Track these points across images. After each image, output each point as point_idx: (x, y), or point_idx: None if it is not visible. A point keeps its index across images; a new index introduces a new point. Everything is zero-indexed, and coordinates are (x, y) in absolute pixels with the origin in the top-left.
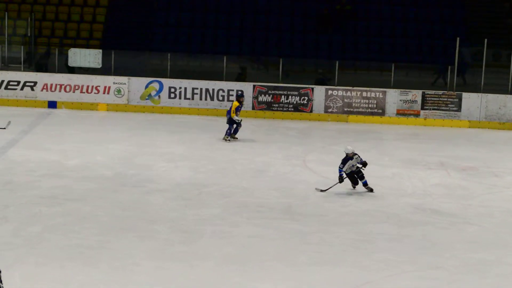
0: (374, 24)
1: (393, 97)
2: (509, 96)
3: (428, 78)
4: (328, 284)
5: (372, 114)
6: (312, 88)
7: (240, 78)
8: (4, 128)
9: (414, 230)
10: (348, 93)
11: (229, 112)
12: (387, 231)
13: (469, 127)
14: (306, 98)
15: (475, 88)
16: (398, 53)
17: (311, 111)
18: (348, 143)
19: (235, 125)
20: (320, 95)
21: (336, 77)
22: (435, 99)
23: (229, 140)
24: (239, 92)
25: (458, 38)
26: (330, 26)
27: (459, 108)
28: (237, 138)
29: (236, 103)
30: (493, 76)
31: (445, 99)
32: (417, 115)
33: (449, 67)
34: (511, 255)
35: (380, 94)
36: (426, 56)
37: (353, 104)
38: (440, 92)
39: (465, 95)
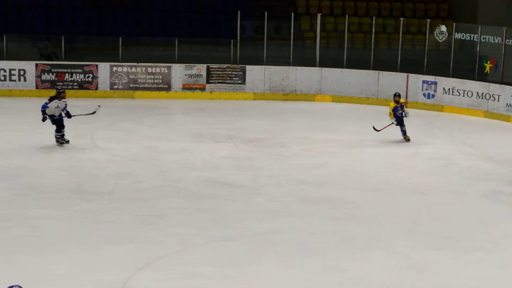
0: None
1: (178, 72)
2: (291, 67)
3: (212, 52)
4: (122, 261)
5: (158, 89)
6: (97, 65)
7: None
8: (94, 113)
9: (205, 203)
10: (133, 69)
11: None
12: (178, 205)
13: (254, 99)
14: (91, 75)
15: (258, 61)
16: (181, 28)
17: (96, 89)
18: (136, 119)
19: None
20: (105, 72)
21: (120, 54)
22: (219, 72)
23: (408, 139)
24: (397, 93)
25: (239, 12)
26: (112, 2)
27: (243, 81)
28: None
29: (392, 104)
30: (275, 49)
31: (230, 72)
32: (203, 89)
33: (232, 41)
34: (300, 223)
35: (165, 69)
36: (209, 30)
37: (139, 80)
38: (224, 65)
39: (248, 68)
